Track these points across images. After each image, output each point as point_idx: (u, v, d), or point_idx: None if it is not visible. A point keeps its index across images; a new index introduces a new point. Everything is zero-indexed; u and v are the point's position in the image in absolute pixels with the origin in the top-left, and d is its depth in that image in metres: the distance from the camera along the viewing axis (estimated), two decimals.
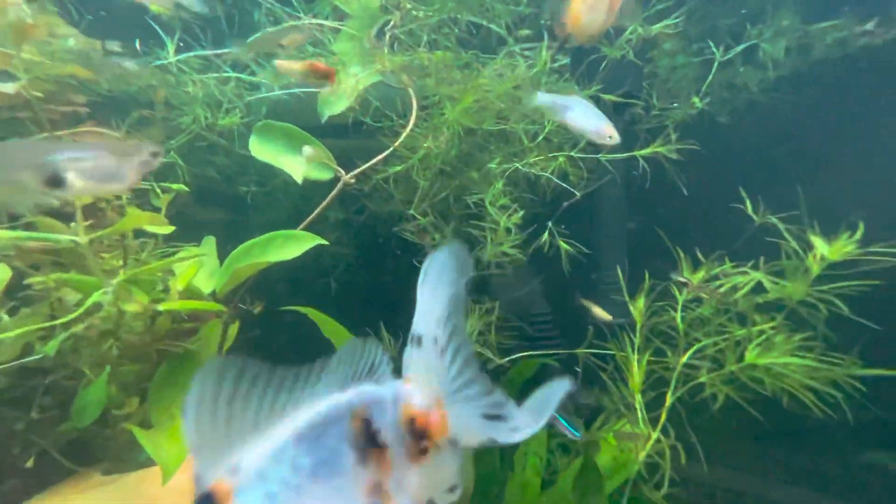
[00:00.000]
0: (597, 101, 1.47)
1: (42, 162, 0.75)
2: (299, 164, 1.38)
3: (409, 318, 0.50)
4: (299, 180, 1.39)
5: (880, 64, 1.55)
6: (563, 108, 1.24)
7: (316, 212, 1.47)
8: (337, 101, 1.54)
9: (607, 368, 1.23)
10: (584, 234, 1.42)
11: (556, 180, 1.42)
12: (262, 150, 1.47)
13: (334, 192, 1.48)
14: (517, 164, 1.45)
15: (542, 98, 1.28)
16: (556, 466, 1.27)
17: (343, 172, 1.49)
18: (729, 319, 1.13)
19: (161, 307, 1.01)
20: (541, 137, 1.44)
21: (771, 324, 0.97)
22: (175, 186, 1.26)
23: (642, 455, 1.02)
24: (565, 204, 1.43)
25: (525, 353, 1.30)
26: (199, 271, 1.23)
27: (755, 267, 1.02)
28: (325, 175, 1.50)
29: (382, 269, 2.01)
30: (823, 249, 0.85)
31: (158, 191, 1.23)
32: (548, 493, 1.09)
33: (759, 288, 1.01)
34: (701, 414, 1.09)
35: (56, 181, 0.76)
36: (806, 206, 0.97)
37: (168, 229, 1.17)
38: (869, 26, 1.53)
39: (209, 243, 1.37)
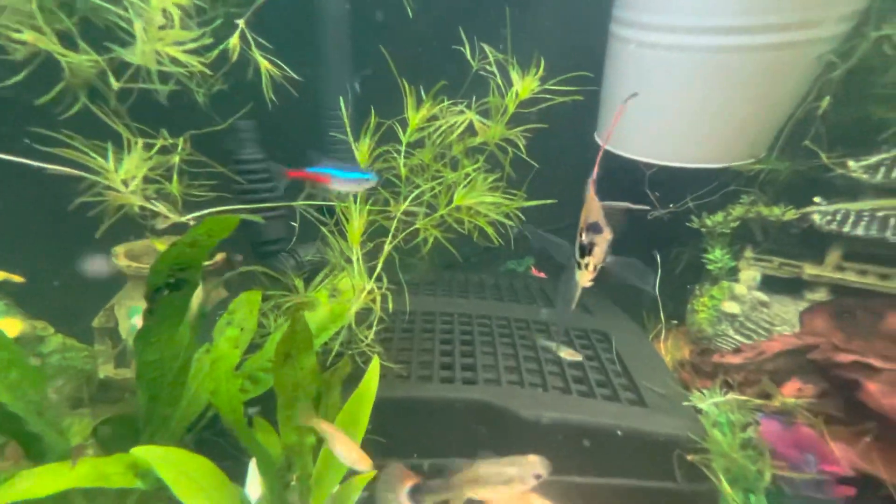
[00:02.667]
0: None
1: None
2: None
3: None
4: None
5: None
6: None
7: None
8: None
9: (328, 222, 1.08)
10: (297, 52, 1.05)
11: None
12: None
13: None
14: None
15: None
16: (269, 329, 1.14)
17: None
18: (444, 165, 1.13)
19: None
20: None
21: (475, 166, 1.00)
22: None
23: (355, 308, 0.98)
24: None
25: (218, 209, 0.95)
26: None
27: (469, 106, 1.00)
28: None
29: None
30: (518, 86, 0.88)
31: None
32: (249, 361, 0.95)
33: (470, 128, 1.02)
34: (411, 255, 1.12)
35: None
36: (513, 49, 0.96)
37: None
38: None
39: None
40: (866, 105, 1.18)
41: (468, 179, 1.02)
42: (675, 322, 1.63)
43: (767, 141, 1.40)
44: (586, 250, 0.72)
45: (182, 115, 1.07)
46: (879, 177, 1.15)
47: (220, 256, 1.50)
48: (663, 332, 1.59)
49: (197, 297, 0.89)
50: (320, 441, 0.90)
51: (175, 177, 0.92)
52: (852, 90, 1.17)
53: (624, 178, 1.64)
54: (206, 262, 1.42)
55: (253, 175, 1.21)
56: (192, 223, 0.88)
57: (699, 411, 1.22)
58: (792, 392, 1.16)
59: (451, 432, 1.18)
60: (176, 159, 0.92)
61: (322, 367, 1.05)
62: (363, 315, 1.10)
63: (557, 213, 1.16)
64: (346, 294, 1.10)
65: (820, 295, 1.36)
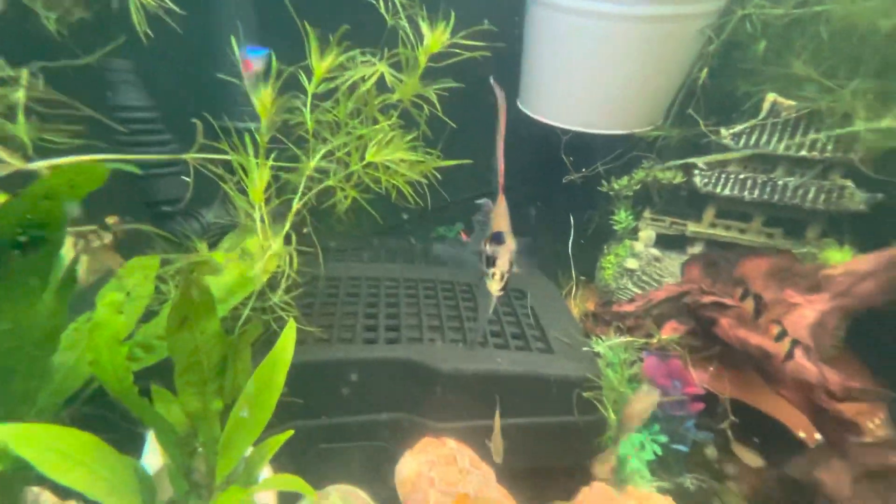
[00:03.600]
0: None
1: None
2: None
3: None
4: None
5: None
6: None
7: None
8: None
9: (228, 179, 1.00)
10: None
11: None
12: None
13: None
14: None
15: None
16: (169, 295, 1.05)
17: None
18: (360, 122, 1.09)
19: None
20: None
21: (389, 121, 0.98)
22: None
23: (260, 269, 0.94)
24: None
25: (82, 157, 0.83)
26: None
27: (381, 59, 0.96)
28: None
29: None
30: (428, 39, 0.86)
31: None
32: (143, 328, 0.87)
33: (384, 86, 0.98)
34: (325, 219, 1.08)
35: None
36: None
37: None
38: None
39: None
40: (735, 78, 1.34)
41: (382, 136, 0.99)
42: (584, 278, 1.79)
43: (664, 109, 1.54)
44: (491, 261, 0.75)
45: (37, 48, 0.89)
46: (741, 144, 1.33)
47: (112, 220, 1.33)
48: (574, 288, 1.74)
49: (68, 258, 0.78)
50: (228, 406, 0.87)
51: (20, 116, 0.77)
52: (725, 64, 1.32)
53: (542, 143, 1.71)
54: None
55: (138, 125, 1.05)
56: (44, 172, 0.75)
57: (598, 355, 1.38)
58: (669, 331, 1.35)
59: (372, 390, 1.20)
60: (20, 95, 0.77)
61: (232, 332, 1.00)
62: (282, 281, 1.06)
63: (484, 179, 1.18)
64: (256, 257, 1.04)
65: (698, 249, 1.57)
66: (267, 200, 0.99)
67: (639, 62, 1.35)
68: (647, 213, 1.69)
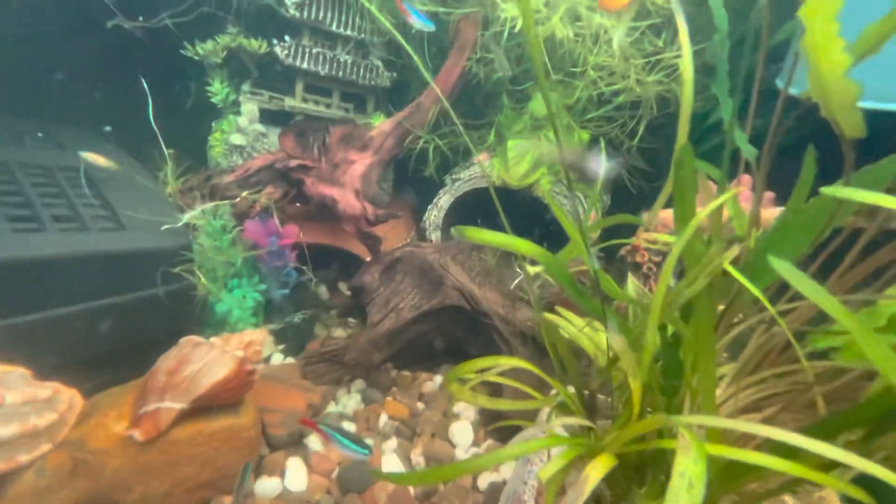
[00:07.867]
0: None
1: None
2: None
3: None
4: None
5: None
6: None
7: None
8: None
9: None
10: None
11: None
12: None
13: None
14: None
15: None
16: None
17: None
18: None
19: None
20: None
21: None
22: None
23: None
24: None
25: None
26: None
27: None
28: None
29: None
30: None
31: None
32: None
33: None
34: None
35: None
36: None
37: None
38: None
39: None
40: None
41: None
42: (172, 152, 1.56)
43: None
44: None
45: None
46: (306, 15, 1.46)
47: None
48: (170, 165, 1.50)
49: None
50: None
51: None
52: None
53: None
54: None
55: None
56: None
57: (193, 227, 1.29)
58: (267, 196, 1.43)
59: None
60: None
61: None
62: None
63: None
64: None
65: None
66: None
67: None
68: (245, 87, 1.63)
